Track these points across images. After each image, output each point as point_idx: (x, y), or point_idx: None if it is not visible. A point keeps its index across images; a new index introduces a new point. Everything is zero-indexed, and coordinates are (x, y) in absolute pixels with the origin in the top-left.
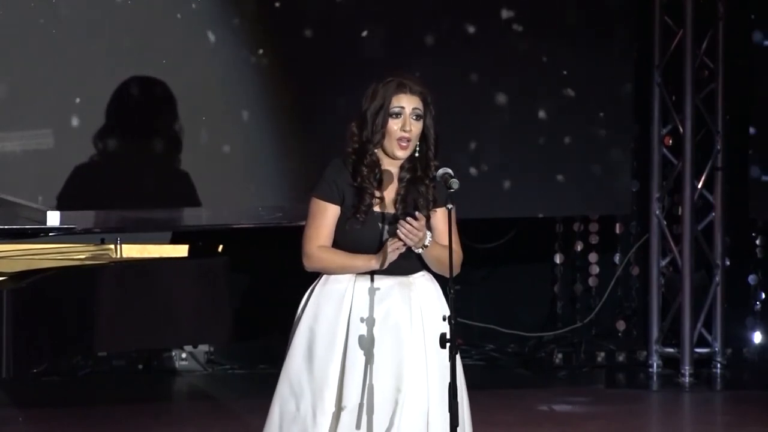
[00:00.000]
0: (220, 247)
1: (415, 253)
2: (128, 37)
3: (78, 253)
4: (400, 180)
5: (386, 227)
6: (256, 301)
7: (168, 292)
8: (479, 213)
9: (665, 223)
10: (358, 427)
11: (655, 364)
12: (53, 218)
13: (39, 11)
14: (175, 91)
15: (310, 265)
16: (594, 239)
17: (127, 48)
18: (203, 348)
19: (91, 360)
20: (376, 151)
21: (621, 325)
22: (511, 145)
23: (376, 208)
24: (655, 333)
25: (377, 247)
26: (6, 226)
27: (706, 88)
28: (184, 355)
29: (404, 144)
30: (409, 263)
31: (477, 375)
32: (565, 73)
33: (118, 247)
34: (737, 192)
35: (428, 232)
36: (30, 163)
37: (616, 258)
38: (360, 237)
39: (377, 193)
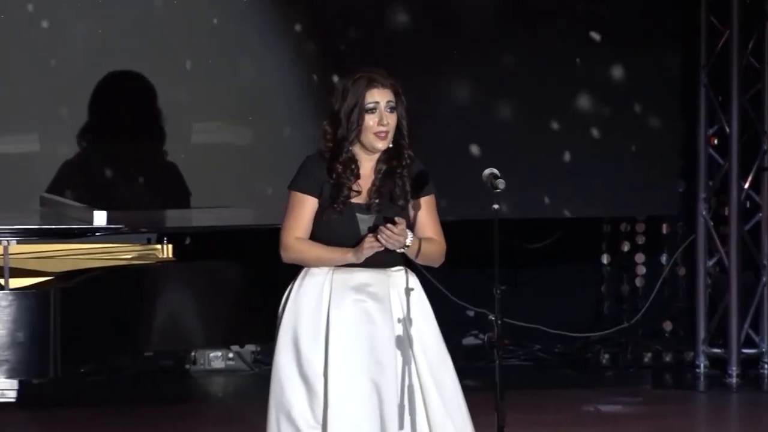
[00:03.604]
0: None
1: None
2: (158, 37)
3: (125, 253)
4: (377, 172)
5: (363, 218)
6: None
7: (213, 293)
8: (525, 213)
9: (712, 223)
10: (349, 420)
11: (701, 365)
12: (100, 218)
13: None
14: (194, 94)
15: (287, 256)
16: (640, 240)
17: (148, 49)
18: (250, 348)
19: (138, 359)
20: (351, 147)
21: (668, 326)
22: (558, 146)
23: (354, 200)
24: (701, 333)
25: (354, 238)
26: (53, 226)
27: (752, 88)
28: (230, 355)
29: (383, 135)
30: (388, 256)
31: (523, 375)
32: (612, 73)
33: (165, 247)
34: None
35: (409, 233)
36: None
37: (663, 258)
38: (337, 228)
39: (354, 186)
